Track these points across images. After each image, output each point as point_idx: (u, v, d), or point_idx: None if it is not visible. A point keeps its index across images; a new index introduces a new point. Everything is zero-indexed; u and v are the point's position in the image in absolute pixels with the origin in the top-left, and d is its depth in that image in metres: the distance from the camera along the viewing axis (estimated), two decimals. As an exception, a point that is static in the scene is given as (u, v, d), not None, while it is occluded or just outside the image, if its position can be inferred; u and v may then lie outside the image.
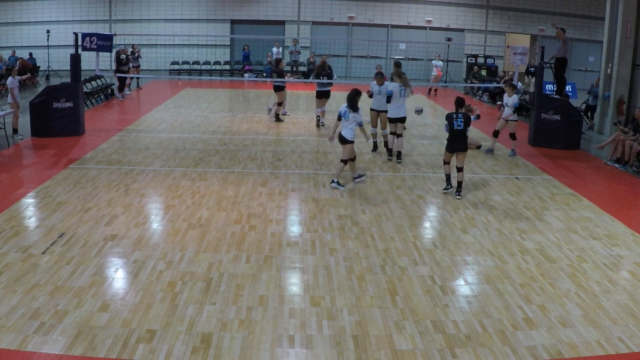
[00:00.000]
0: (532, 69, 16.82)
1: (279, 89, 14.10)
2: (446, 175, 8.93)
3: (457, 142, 8.63)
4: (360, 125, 8.78)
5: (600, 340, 4.87)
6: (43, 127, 11.86)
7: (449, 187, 8.87)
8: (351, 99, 8.82)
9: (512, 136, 11.66)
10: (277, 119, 14.49)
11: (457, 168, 8.68)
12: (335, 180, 8.97)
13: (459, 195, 8.67)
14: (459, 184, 8.72)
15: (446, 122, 8.63)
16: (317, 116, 14.03)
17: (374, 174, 9.85)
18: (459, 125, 8.50)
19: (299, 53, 25.30)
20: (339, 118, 8.90)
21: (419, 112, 10.94)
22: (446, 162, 8.90)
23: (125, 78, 17.69)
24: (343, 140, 8.83)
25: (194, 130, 13.23)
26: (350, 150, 8.89)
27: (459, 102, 8.69)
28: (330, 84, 13.72)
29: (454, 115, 8.53)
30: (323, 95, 13.79)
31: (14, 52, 21.81)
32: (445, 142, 8.93)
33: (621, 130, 11.48)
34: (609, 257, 6.67)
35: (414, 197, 8.70)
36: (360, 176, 9.34)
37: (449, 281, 5.92)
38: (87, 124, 12.75)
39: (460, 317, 5.16)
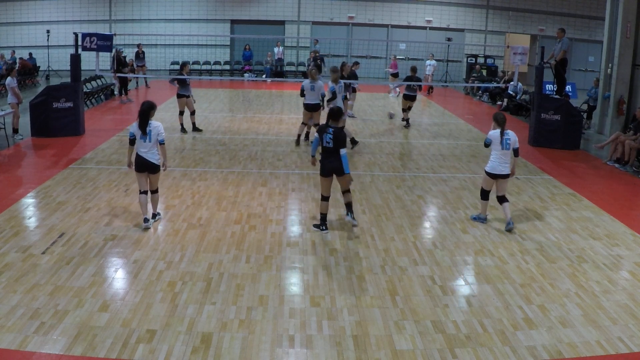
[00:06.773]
0: None
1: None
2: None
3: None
4: None
5: (600, 340, 4.86)
6: (43, 127, 11.86)
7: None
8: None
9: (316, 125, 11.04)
10: (183, 129, 12.83)
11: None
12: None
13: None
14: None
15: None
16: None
17: (374, 174, 9.85)
18: None
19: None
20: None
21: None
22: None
23: (127, 79, 17.68)
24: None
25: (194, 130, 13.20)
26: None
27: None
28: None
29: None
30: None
31: (9, 54, 21.77)
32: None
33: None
34: (609, 257, 6.67)
35: (414, 197, 8.70)
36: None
37: (449, 281, 5.91)
38: (87, 124, 12.76)
39: (460, 317, 5.16)
